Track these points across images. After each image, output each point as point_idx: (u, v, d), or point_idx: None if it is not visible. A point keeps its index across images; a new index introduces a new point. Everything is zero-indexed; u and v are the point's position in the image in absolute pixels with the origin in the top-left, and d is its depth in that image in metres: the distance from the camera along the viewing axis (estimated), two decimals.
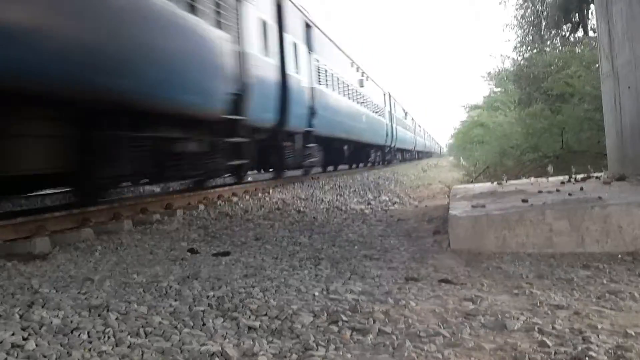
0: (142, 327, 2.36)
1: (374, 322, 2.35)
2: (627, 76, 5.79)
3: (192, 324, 2.41)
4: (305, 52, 13.57)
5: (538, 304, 2.57)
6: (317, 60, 14.74)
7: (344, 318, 2.40)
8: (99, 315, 2.53)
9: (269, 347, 2.10)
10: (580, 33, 16.58)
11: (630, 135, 5.81)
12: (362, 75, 21.70)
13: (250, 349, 2.06)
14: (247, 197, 9.17)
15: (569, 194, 4.53)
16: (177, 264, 3.83)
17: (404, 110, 38.18)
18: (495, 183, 6.89)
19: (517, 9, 18.71)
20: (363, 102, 21.46)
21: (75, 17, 5.26)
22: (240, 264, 3.74)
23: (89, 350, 2.11)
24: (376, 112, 24.85)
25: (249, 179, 12.48)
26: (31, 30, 4.66)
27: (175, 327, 2.36)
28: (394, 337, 2.17)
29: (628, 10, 5.66)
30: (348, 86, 18.90)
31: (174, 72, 6.85)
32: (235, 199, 8.77)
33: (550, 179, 6.82)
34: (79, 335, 2.27)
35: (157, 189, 11.51)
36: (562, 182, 5.90)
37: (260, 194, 9.69)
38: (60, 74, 5.08)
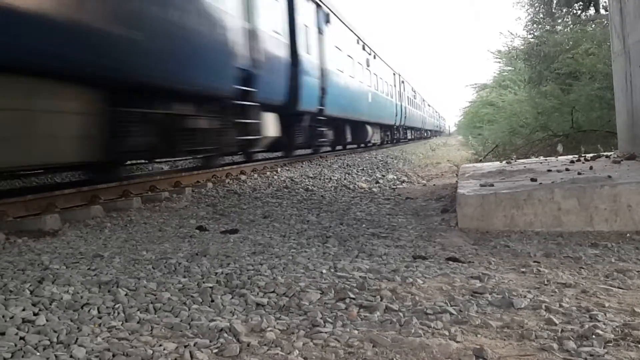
0: (152, 303, 2.38)
1: (381, 299, 2.37)
2: (638, 55, 5.73)
3: (200, 300, 2.43)
4: (315, 32, 13.51)
5: (545, 282, 2.57)
6: (328, 41, 14.69)
7: (352, 295, 2.41)
8: (108, 291, 2.56)
9: (277, 323, 2.11)
10: (591, 11, 16.36)
11: None
12: (371, 55, 21.78)
13: (258, 324, 2.07)
14: (256, 175, 9.18)
15: (578, 173, 4.51)
16: (186, 241, 3.85)
17: (413, 89, 38.61)
18: (504, 162, 6.88)
19: None
20: (373, 83, 21.61)
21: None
22: (248, 241, 3.76)
23: (99, 325, 2.13)
24: (386, 92, 25.02)
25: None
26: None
27: (184, 303, 2.38)
28: (401, 314, 2.18)
29: None
30: (358, 67, 18.92)
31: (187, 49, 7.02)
32: (243, 177, 8.79)
33: (560, 157, 6.80)
34: (89, 310, 2.29)
35: (165, 167, 11.56)
36: (572, 161, 5.88)
37: (268, 173, 9.71)
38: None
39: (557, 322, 2.02)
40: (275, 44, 10.30)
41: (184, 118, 7.54)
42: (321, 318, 2.15)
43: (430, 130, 53.80)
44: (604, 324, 1.99)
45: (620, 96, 6.61)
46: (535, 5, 18.25)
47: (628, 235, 3.50)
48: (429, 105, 54.92)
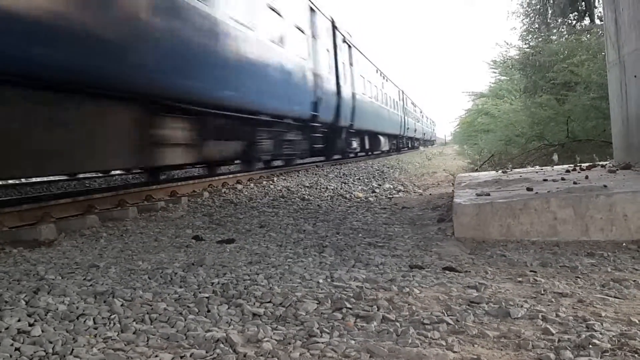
0: (148, 313, 2.37)
1: (378, 309, 2.36)
2: (633, 64, 5.76)
3: (197, 310, 2.42)
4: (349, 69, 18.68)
5: (542, 291, 2.57)
6: (362, 77, 20.64)
7: (348, 305, 2.41)
8: (104, 302, 2.54)
9: (273, 333, 2.11)
10: (586, 21, 16.45)
11: (636, 124, 5.79)
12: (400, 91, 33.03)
13: (254, 335, 2.07)
14: (252, 184, 9.18)
15: (574, 183, 4.52)
16: (182, 251, 3.84)
17: (420, 111, 53.16)
18: (500, 171, 6.89)
19: None
20: (393, 106, 29.69)
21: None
22: (244, 251, 3.75)
23: (95, 336, 2.12)
24: (403, 114, 35.25)
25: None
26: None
27: (180, 314, 2.38)
28: (398, 324, 2.17)
29: None
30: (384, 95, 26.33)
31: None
32: (239, 186, 8.79)
33: (556, 167, 6.82)
34: (84, 321, 2.28)
35: (161, 175, 11.54)
36: (567, 171, 5.89)
37: (264, 182, 9.70)
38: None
39: (553, 332, 2.02)
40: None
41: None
42: (318, 328, 2.14)
43: (431, 140, 55.02)
44: (601, 333, 1.99)
45: (615, 105, 6.64)
46: (531, 15, 18.36)
47: (624, 244, 3.51)
48: (431, 121, 56.72)
